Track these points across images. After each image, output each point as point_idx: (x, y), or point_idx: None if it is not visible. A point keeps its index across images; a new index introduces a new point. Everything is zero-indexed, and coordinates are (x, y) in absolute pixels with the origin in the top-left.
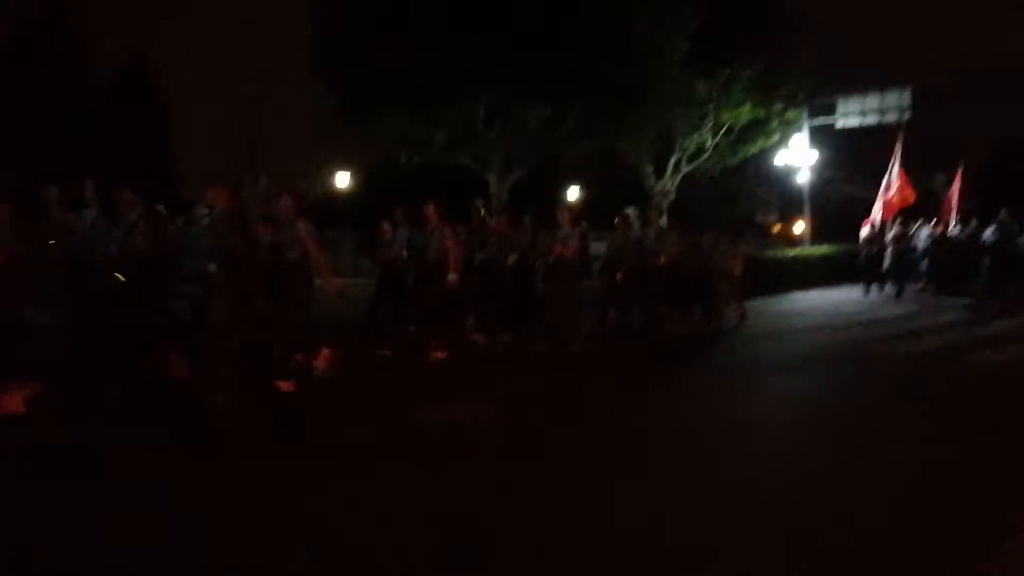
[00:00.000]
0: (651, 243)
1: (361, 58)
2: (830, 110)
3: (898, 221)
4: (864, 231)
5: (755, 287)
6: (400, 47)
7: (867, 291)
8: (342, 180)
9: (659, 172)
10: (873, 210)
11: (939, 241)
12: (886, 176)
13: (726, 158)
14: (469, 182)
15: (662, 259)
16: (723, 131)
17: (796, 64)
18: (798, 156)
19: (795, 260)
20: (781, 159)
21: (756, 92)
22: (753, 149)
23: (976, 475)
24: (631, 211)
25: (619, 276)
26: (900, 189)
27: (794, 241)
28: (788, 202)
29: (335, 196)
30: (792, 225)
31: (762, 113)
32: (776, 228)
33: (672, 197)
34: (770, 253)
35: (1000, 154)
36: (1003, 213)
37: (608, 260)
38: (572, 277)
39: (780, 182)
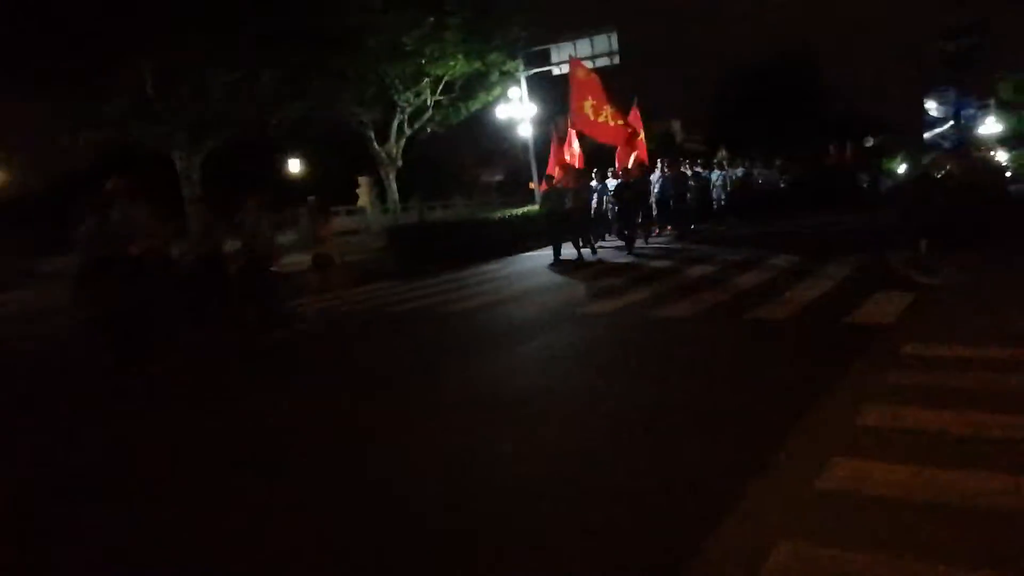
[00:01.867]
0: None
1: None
2: (544, 59)
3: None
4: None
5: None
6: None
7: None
8: None
9: (383, 137)
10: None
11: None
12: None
13: (450, 116)
14: (154, 161)
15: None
16: (441, 87)
17: (506, 11)
18: (517, 108)
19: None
20: (502, 113)
21: (470, 43)
22: (476, 105)
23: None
24: None
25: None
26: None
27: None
28: (514, 158)
29: None
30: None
31: (478, 66)
32: None
33: (399, 162)
34: (497, 214)
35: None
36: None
37: None
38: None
39: (504, 138)
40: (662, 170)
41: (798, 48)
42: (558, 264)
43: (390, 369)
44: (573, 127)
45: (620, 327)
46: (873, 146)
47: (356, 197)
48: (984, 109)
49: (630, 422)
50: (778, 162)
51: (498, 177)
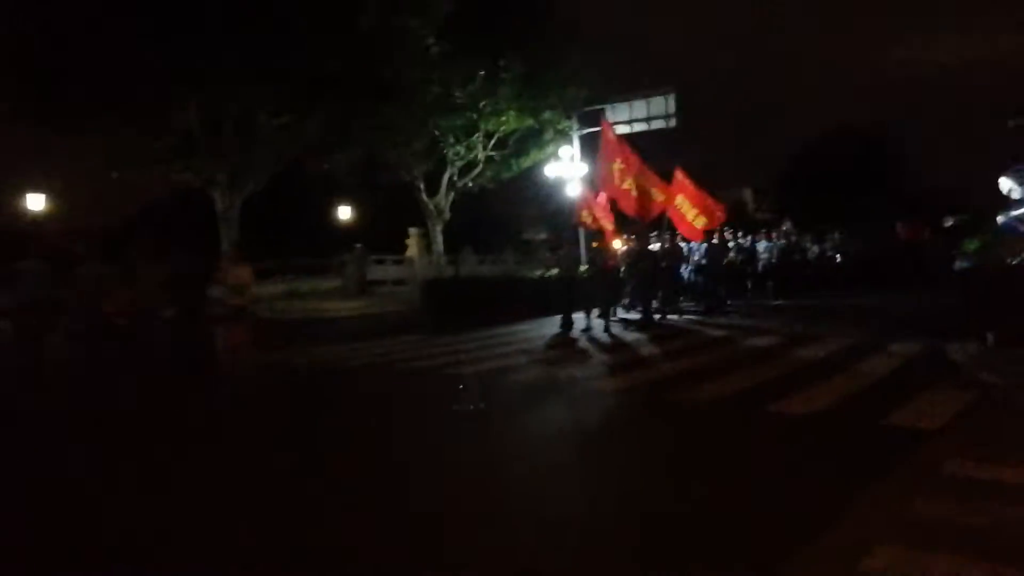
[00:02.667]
0: None
1: (58, 56)
2: (598, 119)
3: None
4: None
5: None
6: (101, 42)
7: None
8: (35, 203)
9: (433, 189)
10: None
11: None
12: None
13: (501, 172)
14: (195, 201)
15: None
16: (493, 142)
17: (563, 68)
18: (567, 167)
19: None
20: (551, 171)
21: (523, 99)
22: (528, 162)
23: None
24: None
25: None
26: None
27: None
28: (561, 217)
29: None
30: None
31: (531, 122)
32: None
33: (447, 215)
34: (536, 273)
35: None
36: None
37: None
38: None
39: (551, 197)
40: (710, 240)
41: (868, 120)
42: (565, 333)
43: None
44: (601, 188)
45: (623, 409)
46: (952, 226)
47: (405, 247)
48: None
49: (583, 530)
50: (837, 235)
51: (542, 235)
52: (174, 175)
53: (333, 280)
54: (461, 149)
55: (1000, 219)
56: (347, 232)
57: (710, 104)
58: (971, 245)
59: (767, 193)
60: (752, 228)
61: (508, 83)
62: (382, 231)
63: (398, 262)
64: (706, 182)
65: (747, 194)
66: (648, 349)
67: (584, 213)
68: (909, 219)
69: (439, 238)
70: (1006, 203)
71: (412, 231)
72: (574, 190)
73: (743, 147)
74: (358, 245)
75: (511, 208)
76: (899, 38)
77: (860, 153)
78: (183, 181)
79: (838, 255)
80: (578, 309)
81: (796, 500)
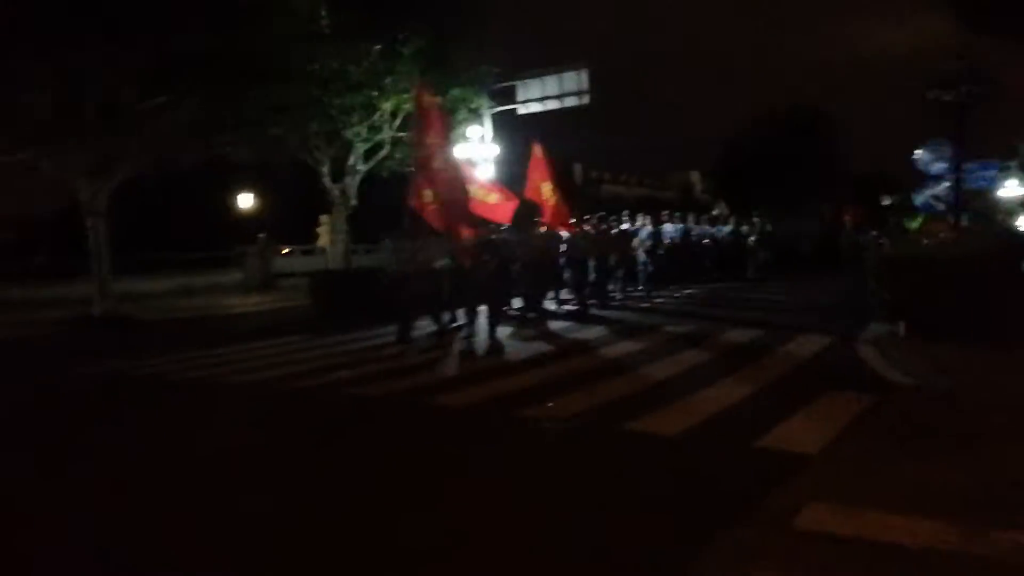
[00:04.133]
0: None
1: None
2: (509, 96)
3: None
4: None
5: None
6: None
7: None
8: None
9: (340, 174)
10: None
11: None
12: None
13: (412, 155)
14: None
15: None
16: (398, 121)
17: (469, 42)
18: (478, 148)
19: None
20: (461, 153)
21: (427, 75)
22: None
23: None
24: None
25: None
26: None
27: None
28: None
29: None
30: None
31: (438, 99)
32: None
33: (353, 201)
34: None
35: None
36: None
37: None
38: None
39: None
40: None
41: (804, 104)
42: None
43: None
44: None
45: (461, 427)
46: (891, 205)
47: (316, 236)
48: (1005, 171)
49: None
50: (756, 218)
51: None
52: (28, 166)
53: (234, 274)
54: (363, 130)
55: (918, 199)
56: (250, 221)
57: (642, 86)
58: (912, 223)
59: (714, 176)
60: (695, 210)
61: (408, 58)
62: (289, 220)
63: (307, 252)
64: (656, 163)
65: (695, 176)
66: (521, 352)
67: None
68: (835, 201)
69: (343, 226)
70: (923, 181)
71: (323, 219)
72: (485, 172)
73: (685, 130)
74: (261, 235)
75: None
76: (827, 22)
77: (793, 135)
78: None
79: (750, 238)
80: (461, 306)
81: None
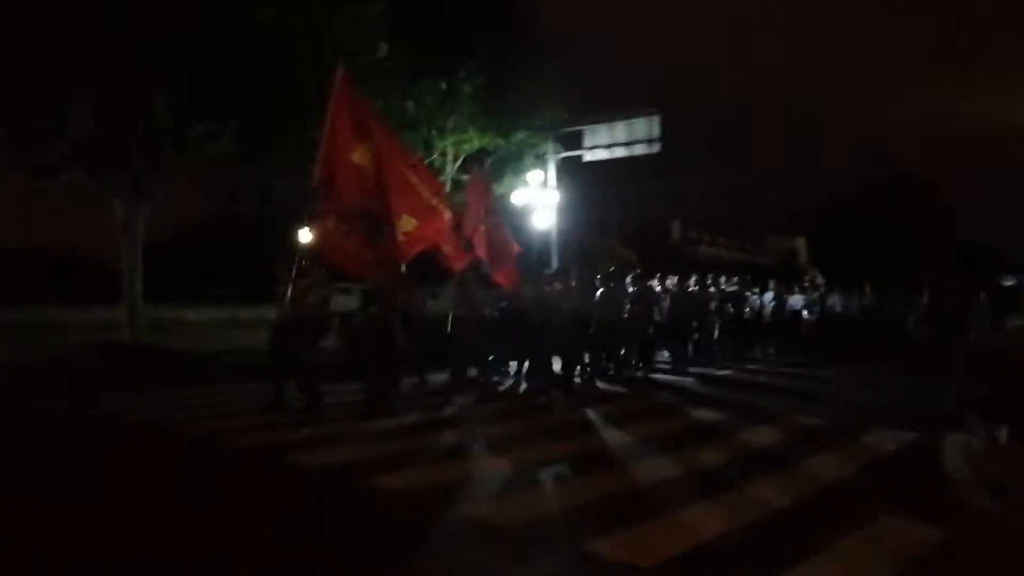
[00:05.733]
0: None
1: None
2: (575, 142)
3: None
4: None
5: None
6: None
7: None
8: None
9: None
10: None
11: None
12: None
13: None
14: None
15: None
16: (458, 164)
17: (534, 81)
18: (536, 194)
19: None
20: (518, 198)
21: (489, 115)
22: (501, 188)
23: None
24: None
25: None
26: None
27: None
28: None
29: None
30: None
31: (501, 142)
32: None
33: None
34: None
35: None
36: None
37: None
38: None
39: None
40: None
41: (901, 171)
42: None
43: None
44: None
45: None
46: (1012, 286)
47: None
48: None
49: None
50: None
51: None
52: (72, 182)
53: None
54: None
55: None
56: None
57: (730, 141)
58: None
59: (810, 241)
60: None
61: (468, 97)
62: None
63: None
64: (749, 225)
65: (800, 243)
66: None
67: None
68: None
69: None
70: None
71: None
72: (542, 220)
73: (777, 193)
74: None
75: None
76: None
77: (897, 202)
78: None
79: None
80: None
81: None
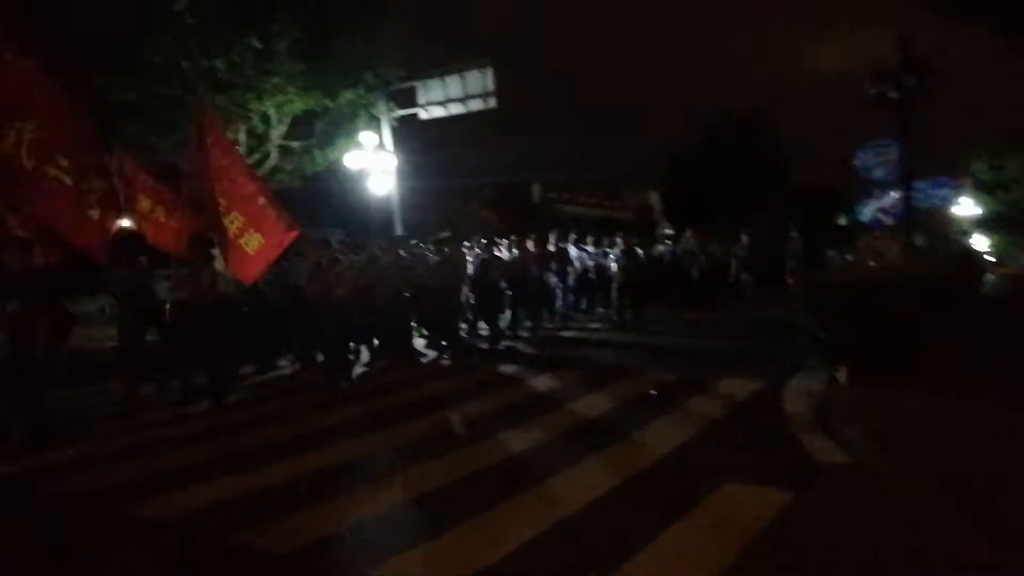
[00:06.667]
0: None
1: None
2: (408, 98)
3: None
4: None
5: None
6: None
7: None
8: None
9: None
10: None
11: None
12: None
13: (305, 166)
14: None
15: None
16: (284, 129)
17: (357, 35)
18: (371, 157)
19: None
20: (352, 162)
21: (310, 73)
22: (336, 153)
23: None
24: None
25: None
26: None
27: None
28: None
29: None
30: None
31: (327, 102)
32: None
33: None
34: None
35: None
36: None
37: None
38: None
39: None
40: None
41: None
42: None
43: None
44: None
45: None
46: (845, 226)
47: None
48: (958, 189)
49: None
50: (689, 234)
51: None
52: None
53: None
54: (239, 137)
55: (864, 213)
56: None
57: (564, 91)
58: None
59: (662, 193)
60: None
61: (285, 54)
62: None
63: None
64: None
65: (654, 197)
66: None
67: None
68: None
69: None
70: (867, 190)
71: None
72: (378, 186)
73: (620, 143)
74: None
75: (323, 208)
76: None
77: (738, 147)
78: None
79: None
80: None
81: None
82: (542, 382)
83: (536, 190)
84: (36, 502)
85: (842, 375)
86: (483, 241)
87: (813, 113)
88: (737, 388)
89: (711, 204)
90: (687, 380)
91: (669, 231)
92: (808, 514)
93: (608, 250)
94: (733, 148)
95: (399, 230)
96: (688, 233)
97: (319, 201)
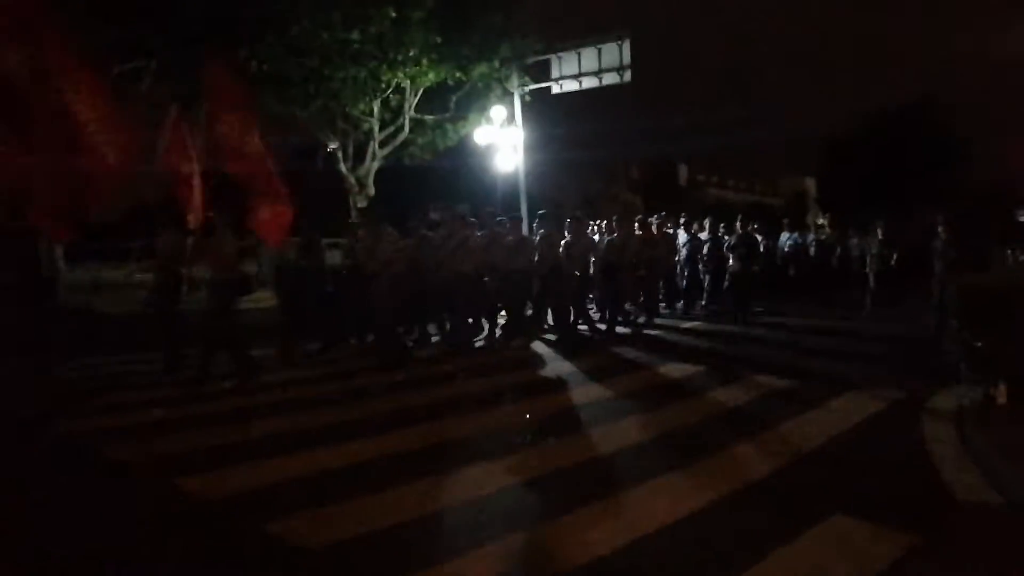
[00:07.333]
0: None
1: None
2: (542, 72)
3: None
4: None
5: None
6: None
7: None
8: None
9: (360, 161)
10: None
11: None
12: None
13: (437, 141)
14: None
15: None
16: (416, 101)
17: (495, 9)
18: (498, 132)
19: None
20: (481, 137)
21: (444, 45)
22: (466, 128)
23: None
24: None
25: None
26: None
27: None
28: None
29: None
30: None
31: (460, 75)
32: None
33: (371, 191)
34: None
35: None
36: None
37: None
38: None
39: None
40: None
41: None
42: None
43: None
44: None
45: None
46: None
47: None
48: None
49: None
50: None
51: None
52: None
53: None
54: (372, 108)
55: None
56: None
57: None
58: None
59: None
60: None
61: (420, 25)
62: (318, 210)
63: (333, 246)
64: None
65: (809, 183)
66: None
67: None
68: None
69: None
70: None
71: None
72: (506, 162)
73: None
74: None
75: (453, 183)
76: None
77: (903, 135)
78: None
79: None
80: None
81: None
82: (656, 373)
83: (683, 170)
84: (96, 467)
85: (1000, 394)
86: (608, 224)
87: (998, 103)
88: (867, 399)
89: (869, 193)
90: (806, 386)
91: (820, 220)
92: (936, 565)
93: (700, 235)
94: (898, 137)
95: (524, 207)
96: (823, 222)
97: (448, 176)
